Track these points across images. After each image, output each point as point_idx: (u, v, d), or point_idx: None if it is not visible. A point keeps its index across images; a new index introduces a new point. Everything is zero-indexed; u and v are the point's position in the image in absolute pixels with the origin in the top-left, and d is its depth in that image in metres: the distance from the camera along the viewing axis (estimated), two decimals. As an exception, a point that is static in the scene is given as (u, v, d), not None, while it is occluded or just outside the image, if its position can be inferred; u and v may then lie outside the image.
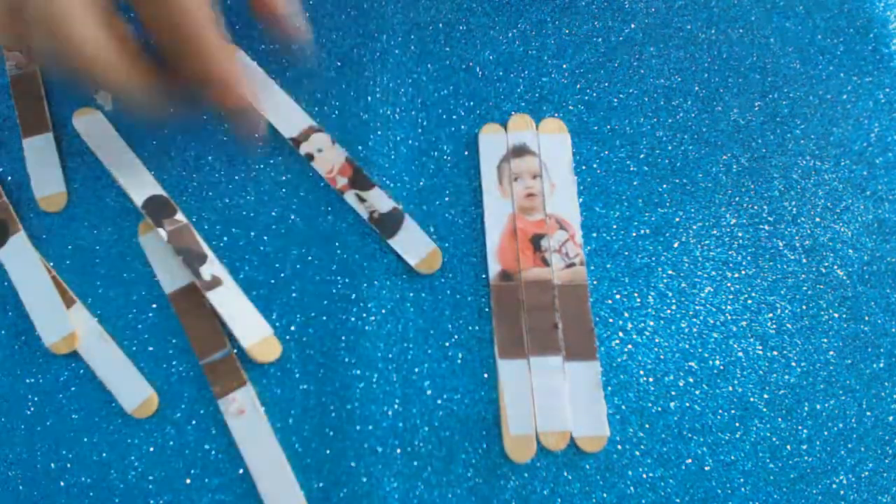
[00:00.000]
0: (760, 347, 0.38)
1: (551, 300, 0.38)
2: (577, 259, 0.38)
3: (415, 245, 0.39)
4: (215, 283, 0.38)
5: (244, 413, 0.36)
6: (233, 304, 0.37)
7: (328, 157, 0.40)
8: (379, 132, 0.41)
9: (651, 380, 0.37)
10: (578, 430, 0.36)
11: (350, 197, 0.39)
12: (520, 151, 0.40)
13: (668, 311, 0.38)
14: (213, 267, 0.38)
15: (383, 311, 0.38)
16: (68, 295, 0.38)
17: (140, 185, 0.40)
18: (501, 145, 0.40)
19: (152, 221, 0.38)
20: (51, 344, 0.37)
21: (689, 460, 0.36)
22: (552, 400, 0.36)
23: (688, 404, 0.37)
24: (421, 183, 0.40)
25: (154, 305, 0.38)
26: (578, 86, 0.42)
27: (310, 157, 0.40)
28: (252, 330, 0.37)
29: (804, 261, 0.39)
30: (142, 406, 0.36)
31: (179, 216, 0.39)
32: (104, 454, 0.36)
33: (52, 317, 0.37)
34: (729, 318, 0.38)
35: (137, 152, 0.40)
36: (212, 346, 0.37)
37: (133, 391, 0.36)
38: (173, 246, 0.38)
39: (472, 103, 0.42)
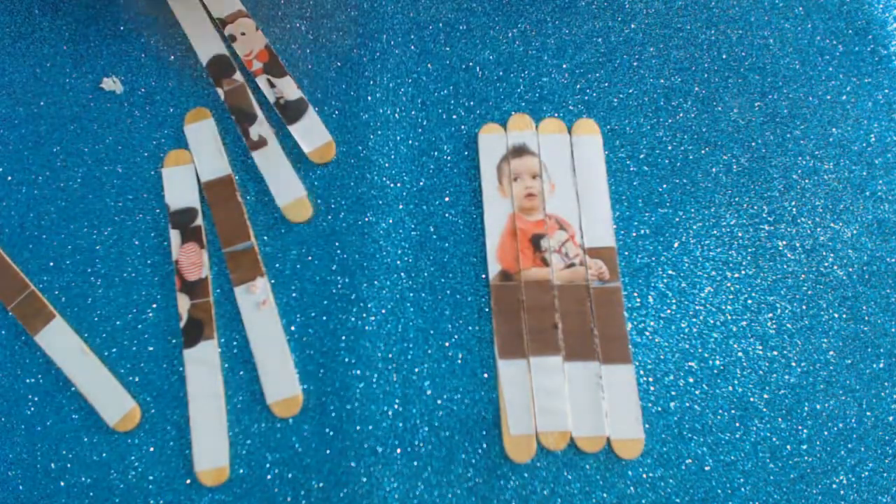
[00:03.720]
0: (760, 347, 0.38)
1: (551, 300, 0.37)
2: (576, 259, 0.38)
3: (312, 134, 0.40)
4: (261, 143, 0.40)
5: (267, 304, 0.37)
6: (274, 165, 0.40)
7: (250, 40, 0.42)
8: (379, 132, 0.41)
9: (651, 380, 0.37)
10: (579, 430, 0.36)
11: (262, 80, 0.41)
12: (520, 151, 0.40)
13: (668, 311, 0.38)
14: (261, 128, 0.40)
15: (383, 311, 0.38)
16: (48, 310, 0.38)
17: (206, 43, 0.42)
18: (501, 145, 0.40)
19: (213, 80, 0.41)
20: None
21: (689, 460, 0.36)
22: (552, 400, 0.36)
23: (688, 404, 0.37)
24: (421, 183, 0.40)
25: (154, 305, 0.38)
26: (578, 86, 0.42)
27: (233, 38, 0.42)
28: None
29: (804, 261, 0.39)
30: (123, 419, 0.36)
31: (237, 76, 0.41)
32: (104, 454, 0.36)
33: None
34: (729, 318, 0.38)
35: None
36: (236, 237, 0.38)
37: (115, 405, 0.36)
38: (228, 104, 0.41)
39: (472, 103, 0.42)
